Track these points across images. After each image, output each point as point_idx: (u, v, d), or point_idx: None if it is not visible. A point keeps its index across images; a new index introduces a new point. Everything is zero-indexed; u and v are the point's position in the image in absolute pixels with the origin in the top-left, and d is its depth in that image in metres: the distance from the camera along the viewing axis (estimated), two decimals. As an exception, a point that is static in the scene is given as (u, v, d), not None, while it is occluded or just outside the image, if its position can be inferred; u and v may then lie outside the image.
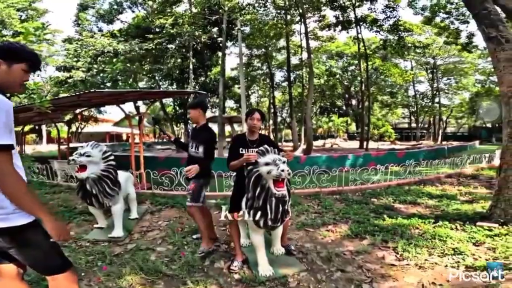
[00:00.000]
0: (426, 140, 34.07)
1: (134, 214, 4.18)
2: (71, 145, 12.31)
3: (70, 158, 3.10)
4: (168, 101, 27.07)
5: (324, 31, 19.68)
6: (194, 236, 3.44)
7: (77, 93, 6.36)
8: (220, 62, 16.77)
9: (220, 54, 17.22)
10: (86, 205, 3.63)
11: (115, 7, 20.53)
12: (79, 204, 4.72)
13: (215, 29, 18.41)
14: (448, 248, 2.96)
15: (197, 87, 19.83)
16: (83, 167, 3.12)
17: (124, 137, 37.62)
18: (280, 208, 2.38)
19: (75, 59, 18.33)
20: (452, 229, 3.46)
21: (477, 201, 4.87)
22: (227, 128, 22.09)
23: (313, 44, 21.29)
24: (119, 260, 2.89)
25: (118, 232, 3.45)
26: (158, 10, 18.59)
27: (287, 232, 3.15)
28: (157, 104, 24.96)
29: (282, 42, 21.50)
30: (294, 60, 23.42)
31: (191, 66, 17.00)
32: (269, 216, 2.36)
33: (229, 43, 19.93)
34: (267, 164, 2.33)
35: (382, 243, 3.20)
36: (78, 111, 11.44)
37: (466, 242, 3.10)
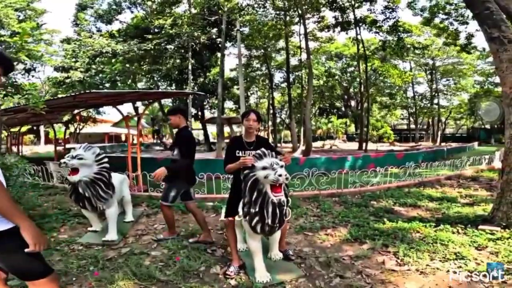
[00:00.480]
0: (425, 141, 34.08)
1: (129, 217, 4.10)
2: (68, 146, 12.20)
3: (62, 161, 3.02)
4: (167, 101, 26.98)
5: (323, 32, 19.62)
6: (191, 240, 3.36)
7: (73, 94, 6.28)
8: (219, 62, 16.71)
9: (219, 54, 17.15)
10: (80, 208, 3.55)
11: (114, 7, 20.46)
12: (74, 206, 4.63)
13: (214, 30, 18.35)
14: (450, 253, 2.90)
15: (196, 87, 19.75)
16: (75, 170, 3.05)
17: (123, 138, 37.48)
18: (278, 214, 2.30)
19: (73, 59, 18.22)
20: (453, 232, 3.40)
21: (478, 204, 4.81)
22: (226, 129, 22.00)
23: (312, 45, 21.22)
24: (112, 264, 2.81)
25: (112, 235, 3.37)
26: (157, 10, 18.55)
27: (285, 237, 3.07)
28: (156, 104, 24.88)
29: (281, 43, 21.46)
30: (293, 61, 23.40)
31: (190, 67, 16.92)
32: (266, 222, 2.29)
33: (228, 44, 19.86)
34: (264, 168, 2.26)
35: (382, 247, 3.13)
36: (76, 111, 11.36)
37: (468, 246, 3.04)
